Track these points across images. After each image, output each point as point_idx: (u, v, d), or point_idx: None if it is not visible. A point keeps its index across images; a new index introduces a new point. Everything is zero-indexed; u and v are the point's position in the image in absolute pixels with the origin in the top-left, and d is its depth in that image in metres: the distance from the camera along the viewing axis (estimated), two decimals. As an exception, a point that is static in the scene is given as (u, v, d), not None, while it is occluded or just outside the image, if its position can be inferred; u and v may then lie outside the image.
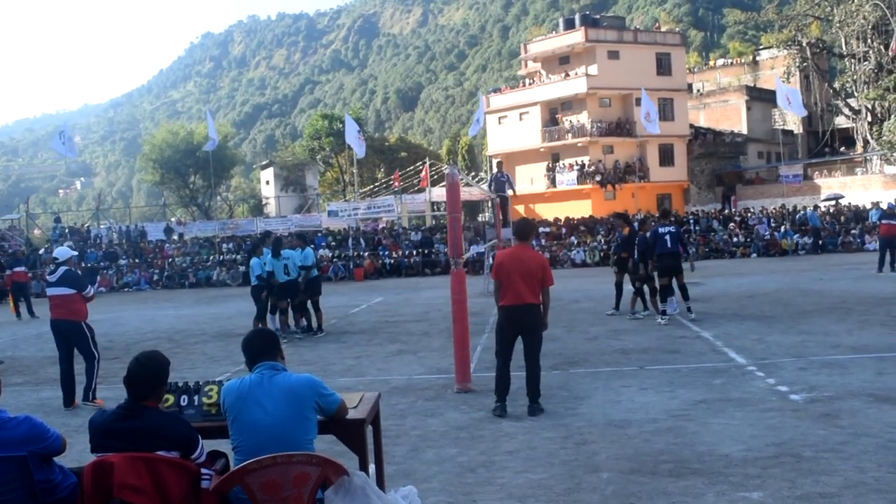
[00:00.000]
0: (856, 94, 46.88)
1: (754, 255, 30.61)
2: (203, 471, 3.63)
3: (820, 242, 30.20)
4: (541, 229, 34.45)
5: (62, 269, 8.68)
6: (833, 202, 36.57)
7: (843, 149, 50.47)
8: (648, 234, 13.09)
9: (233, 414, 3.81)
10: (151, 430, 3.55)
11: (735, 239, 32.00)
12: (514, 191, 21.77)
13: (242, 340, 4.05)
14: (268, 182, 62.71)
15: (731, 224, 33.42)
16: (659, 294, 12.90)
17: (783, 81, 41.28)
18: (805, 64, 48.90)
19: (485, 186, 32.08)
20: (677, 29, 63.31)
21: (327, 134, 55.01)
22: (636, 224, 16.20)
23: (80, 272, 9.35)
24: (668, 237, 12.63)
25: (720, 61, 65.76)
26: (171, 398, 4.25)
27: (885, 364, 8.37)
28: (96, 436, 3.59)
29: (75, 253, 9.90)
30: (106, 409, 3.78)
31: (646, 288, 13.48)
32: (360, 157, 34.83)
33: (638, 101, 37.42)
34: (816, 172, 46.03)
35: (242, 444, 3.76)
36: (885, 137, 41.17)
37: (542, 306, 7.15)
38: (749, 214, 35.04)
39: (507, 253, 7.42)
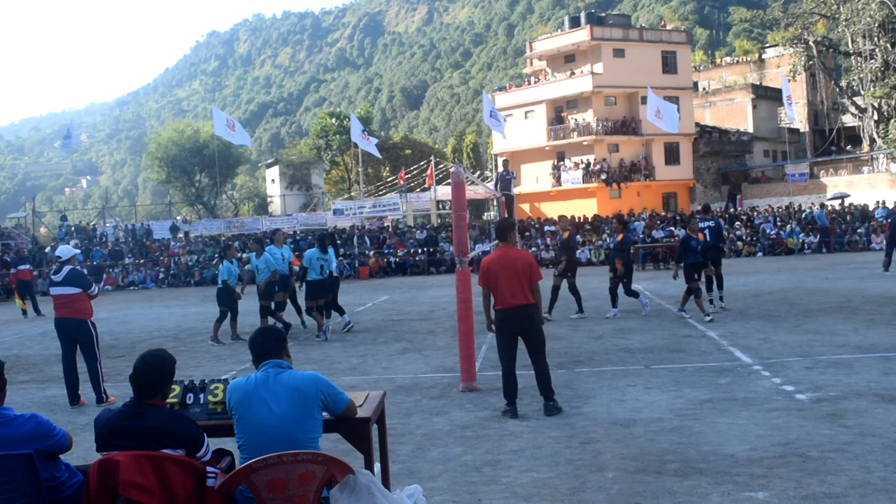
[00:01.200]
0: (862, 92, 46.72)
1: (760, 253, 30.55)
2: (208, 469, 3.64)
3: (827, 241, 30.12)
4: (546, 228, 34.47)
5: (67, 268, 8.64)
6: (839, 201, 36.46)
7: (849, 147, 50.31)
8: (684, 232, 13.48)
9: (238, 412, 3.82)
10: (157, 429, 3.56)
11: (739, 232, 31.95)
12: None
13: (249, 339, 4.08)
14: (273, 180, 62.73)
15: (737, 223, 33.36)
16: (714, 283, 13.46)
17: (789, 80, 41.14)
18: (811, 62, 48.73)
19: (490, 185, 32.05)
20: (683, 27, 63.11)
21: (335, 132, 55.04)
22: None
23: (84, 270, 9.34)
24: (707, 232, 13.19)
25: (726, 59, 65.53)
26: (176, 388, 4.26)
27: (891, 363, 8.34)
28: (102, 434, 3.60)
29: (78, 251, 9.91)
30: (112, 407, 3.79)
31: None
32: (377, 156, 34.82)
33: (643, 100, 37.32)
34: (822, 171, 45.89)
35: (248, 442, 3.77)
36: (891, 136, 41.04)
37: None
38: (755, 213, 34.97)
39: (491, 257, 7.23)
